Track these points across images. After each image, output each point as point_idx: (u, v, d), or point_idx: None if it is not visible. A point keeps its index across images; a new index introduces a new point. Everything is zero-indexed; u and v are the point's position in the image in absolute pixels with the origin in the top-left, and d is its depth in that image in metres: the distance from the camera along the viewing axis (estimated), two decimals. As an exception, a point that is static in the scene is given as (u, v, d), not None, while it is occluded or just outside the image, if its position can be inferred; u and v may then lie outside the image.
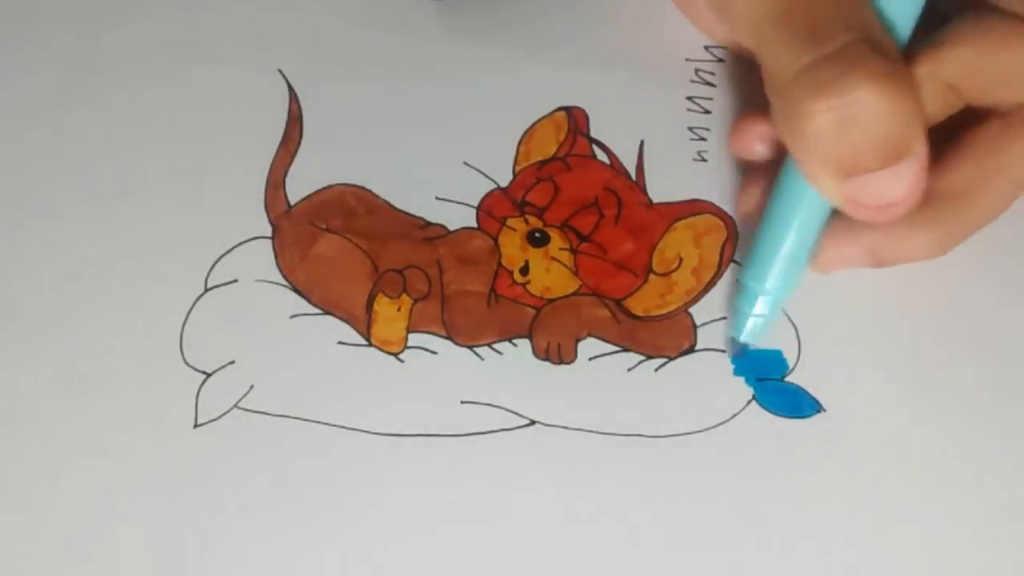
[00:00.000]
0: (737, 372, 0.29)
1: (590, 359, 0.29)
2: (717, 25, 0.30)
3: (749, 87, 0.32)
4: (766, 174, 0.28)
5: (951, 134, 0.27)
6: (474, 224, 0.31)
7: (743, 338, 0.29)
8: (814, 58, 0.24)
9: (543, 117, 0.32)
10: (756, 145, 0.29)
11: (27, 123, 0.33)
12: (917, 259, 0.27)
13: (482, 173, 0.32)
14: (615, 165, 0.32)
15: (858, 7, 0.24)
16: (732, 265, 0.30)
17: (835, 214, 0.27)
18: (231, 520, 0.28)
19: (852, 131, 0.23)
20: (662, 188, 0.31)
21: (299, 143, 0.32)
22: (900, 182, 0.24)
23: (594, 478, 0.28)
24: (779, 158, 0.28)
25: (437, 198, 0.31)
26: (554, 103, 0.32)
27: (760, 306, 0.28)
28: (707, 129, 0.32)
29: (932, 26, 0.26)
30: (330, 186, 0.32)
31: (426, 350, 0.30)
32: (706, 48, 0.33)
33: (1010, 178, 0.27)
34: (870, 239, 0.27)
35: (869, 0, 0.25)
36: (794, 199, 0.26)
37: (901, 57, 0.24)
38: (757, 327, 0.28)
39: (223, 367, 0.29)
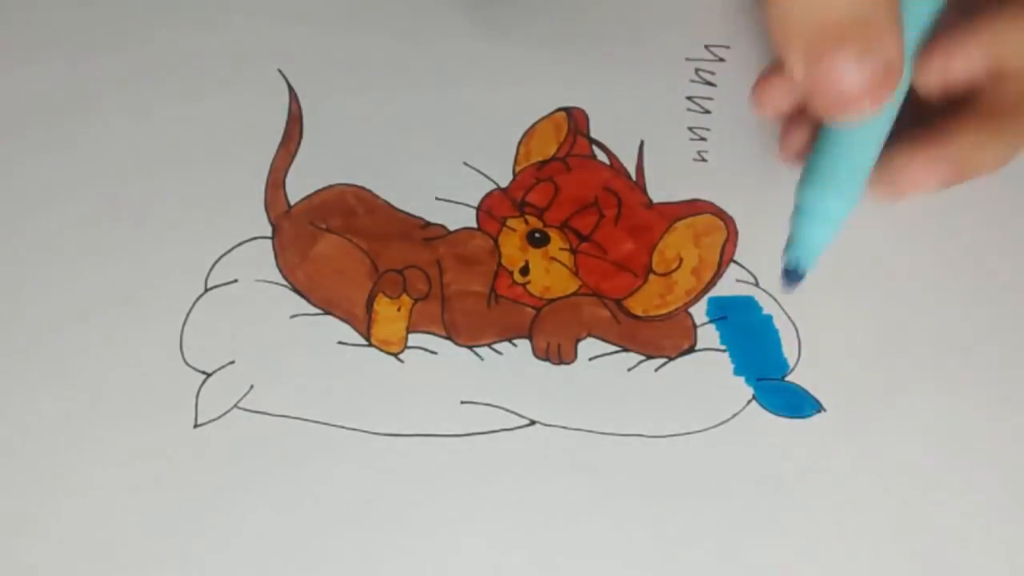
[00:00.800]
0: (737, 372, 0.29)
1: (590, 359, 0.29)
2: None
3: (749, 87, 0.32)
4: (801, 117, 0.28)
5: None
6: (474, 224, 0.31)
7: (803, 264, 0.26)
8: None
9: (543, 117, 0.32)
10: (778, 98, 0.29)
11: (28, 124, 0.33)
12: (986, 172, 0.27)
13: (482, 173, 0.32)
14: (615, 165, 0.32)
15: None
16: (732, 265, 0.30)
17: (902, 134, 0.26)
18: (231, 520, 0.28)
19: (816, 8, 0.23)
20: (662, 188, 0.31)
21: (299, 143, 0.32)
22: (860, 72, 0.24)
23: (594, 478, 0.28)
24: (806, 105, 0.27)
25: (437, 198, 0.31)
26: (554, 103, 0.32)
27: (821, 224, 0.26)
28: (707, 129, 0.32)
29: None
30: (330, 186, 0.32)
31: (426, 350, 0.30)
32: (706, 48, 0.33)
33: None
34: (942, 159, 0.27)
35: None
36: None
37: None
38: (816, 248, 0.26)
39: (223, 367, 0.29)
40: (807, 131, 0.29)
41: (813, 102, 0.25)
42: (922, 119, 0.27)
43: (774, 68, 0.29)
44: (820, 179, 0.26)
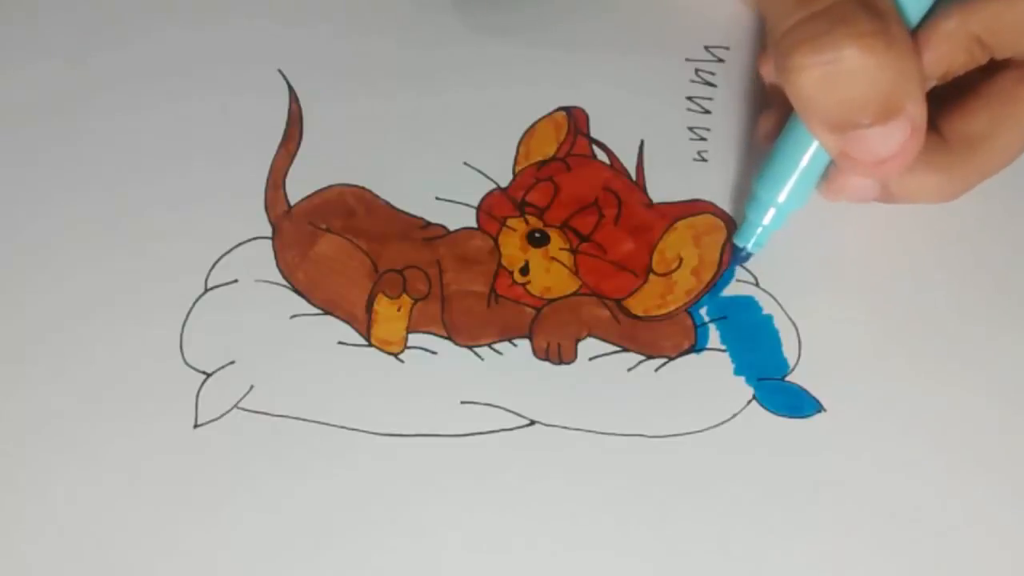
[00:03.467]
0: (737, 372, 0.29)
1: (590, 359, 0.29)
2: None
3: (749, 87, 0.32)
4: (783, 104, 0.29)
5: (969, 81, 0.27)
6: (474, 224, 0.31)
7: (750, 247, 0.29)
8: (804, 15, 0.24)
9: (543, 117, 0.32)
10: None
11: (29, 123, 0.33)
12: (926, 200, 0.28)
13: (482, 173, 0.32)
14: (615, 165, 0.32)
15: None
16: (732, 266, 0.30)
17: None
18: (231, 520, 0.28)
19: (838, 87, 0.24)
20: (662, 188, 0.31)
21: (299, 143, 0.32)
22: (890, 140, 0.25)
23: (594, 478, 0.28)
24: None
25: (437, 198, 0.31)
26: (554, 103, 0.32)
27: (768, 217, 0.29)
28: (707, 129, 0.32)
29: None
30: (330, 186, 0.32)
31: (426, 350, 0.30)
32: (706, 48, 0.33)
33: (1022, 127, 0.27)
34: None
35: None
36: None
37: (895, 18, 0.25)
38: (762, 236, 0.29)
39: (223, 367, 0.29)
40: (781, 118, 0.29)
41: (841, 163, 0.26)
42: None
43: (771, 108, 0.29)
44: (774, 174, 0.28)
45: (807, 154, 0.27)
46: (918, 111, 0.25)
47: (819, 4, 0.24)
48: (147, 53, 0.34)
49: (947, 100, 0.27)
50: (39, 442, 0.28)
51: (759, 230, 0.29)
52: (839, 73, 0.24)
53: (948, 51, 0.26)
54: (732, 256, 0.30)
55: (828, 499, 0.28)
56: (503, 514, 0.28)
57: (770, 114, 0.30)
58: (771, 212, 0.29)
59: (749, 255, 0.30)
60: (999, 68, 0.27)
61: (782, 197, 0.28)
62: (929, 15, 0.26)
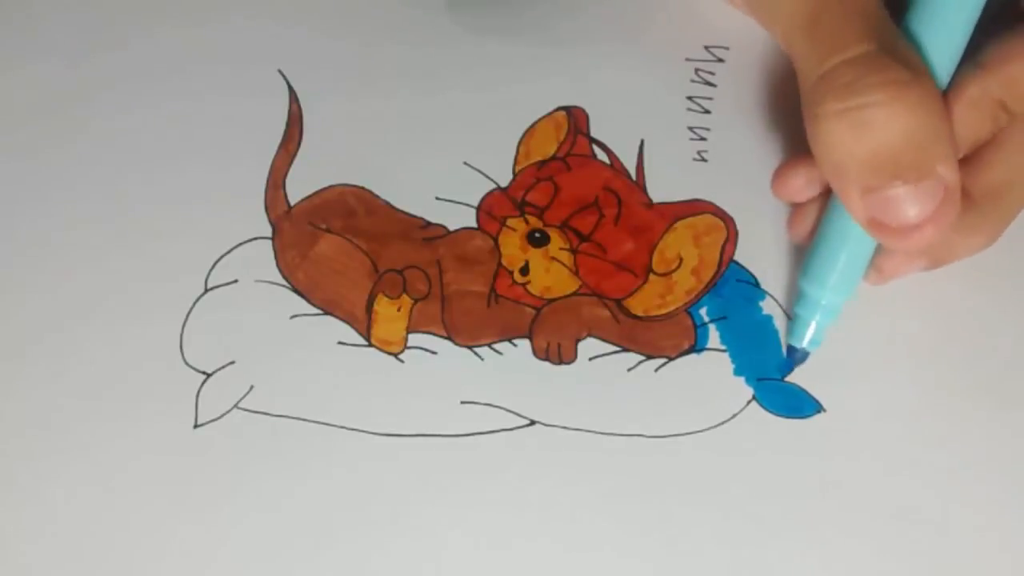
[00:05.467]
0: (737, 372, 0.29)
1: (590, 359, 0.29)
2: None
3: (749, 87, 0.32)
4: (814, 200, 0.29)
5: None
6: (474, 224, 0.31)
7: (806, 345, 0.28)
8: (834, 63, 0.24)
9: (543, 117, 0.32)
10: (799, 188, 0.29)
11: (29, 122, 0.33)
12: (971, 255, 0.28)
13: (482, 173, 0.32)
14: (615, 165, 0.32)
15: (882, 20, 0.25)
16: (732, 265, 0.30)
17: None
18: (231, 520, 0.28)
19: (868, 137, 0.23)
20: (662, 188, 0.31)
21: (299, 143, 0.32)
22: (920, 203, 0.24)
23: (594, 478, 0.28)
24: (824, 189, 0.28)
25: (437, 198, 0.31)
26: (554, 103, 0.32)
27: (820, 312, 0.28)
28: (707, 129, 0.32)
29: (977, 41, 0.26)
30: (330, 186, 0.32)
31: (426, 350, 0.30)
32: (706, 48, 0.33)
33: None
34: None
35: (889, 17, 0.25)
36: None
37: (928, 75, 0.24)
38: (818, 333, 0.28)
39: (223, 367, 0.29)
40: (816, 214, 0.28)
41: (871, 232, 0.25)
42: None
43: (797, 158, 0.28)
44: (820, 272, 0.27)
45: (855, 243, 0.27)
46: (951, 174, 0.24)
47: (852, 51, 0.24)
48: (147, 53, 0.34)
49: (964, 158, 0.27)
50: (39, 442, 0.28)
51: (812, 327, 0.28)
52: (869, 121, 0.23)
53: (976, 118, 0.26)
54: (789, 355, 0.29)
55: (828, 499, 0.28)
56: (503, 514, 0.28)
57: (808, 211, 0.29)
58: (830, 311, 0.28)
59: (807, 354, 0.28)
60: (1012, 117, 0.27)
61: (831, 293, 0.27)
62: (951, 84, 0.26)
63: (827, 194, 0.28)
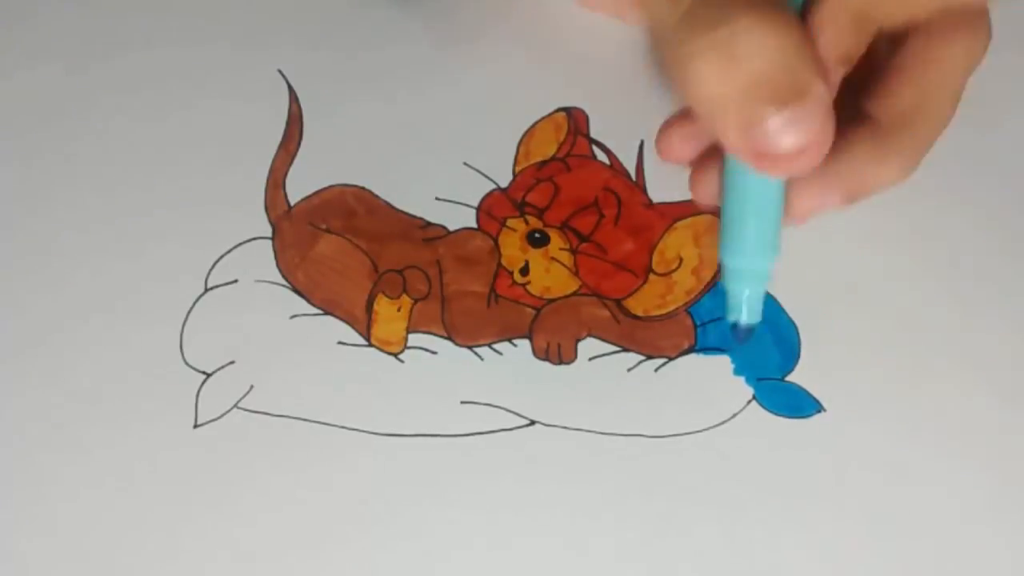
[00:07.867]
0: (737, 372, 0.29)
1: (590, 359, 0.29)
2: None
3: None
4: (711, 161, 0.27)
5: (882, 62, 0.26)
6: (474, 224, 0.31)
7: (744, 319, 0.26)
8: (690, 1, 0.23)
9: (543, 117, 0.32)
10: (685, 148, 0.27)
11: (29, 122, 0.33)
12: (885, 187, 0.26)
13: (482, 173, 0.32)
14: (615, 165, 0.32)
15: None
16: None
17: None
18: (231, 520, 0.28)
19: (739, 69, 0.22)
20: (662, 188, 0.31)
21: (299, 143, 0.32)
22: (803, 125, 0.23)
23: (594, 478, 0.28)
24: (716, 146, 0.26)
25: (437, 198, 0.31)
26: (554, 103, 0.32)
27: (749, 281, 0.26)
28: (707, 129, 0.32)
29: None
30: (330, 186, 0.32)
31: (426, 350, 0.30)
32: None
33: (948, 90, 0.26)
34: (838, 179, 0.26)
35: None
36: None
37: (783, 1, 0.23)
38: (753, 303, 0.26)
39: (223, 367, 0.29)
40: (717, 175, 0.27)
41: (760, 165, 0.23)
42: None
43: (678, 115, 0.27)
44: (738, 241, 0.25)
45: (758, 198, 0.25)
46: (823, 91, 0.23)
47: None
48: (147, 53, 0.34)
49: (868, 86, 0.26)
50: (39, 442, 0.28)
51: (746, 299, 0.26)
52: (737, 53, 0.22)
53: (836, 33, 0.24)
54: (732, 332, 0.26)
55: (828, 499, 0.28)
56: (503, 514, 0.28)
57: (708, 173, 0.27)
58: (761, 276, 0.26)
59: (751, 327, 0.26)
60: (901, 39, 0.26)
61: (751, 259, 0.25)
62: (805, 3, 0.24)
63: (720, 154, 0.26)
